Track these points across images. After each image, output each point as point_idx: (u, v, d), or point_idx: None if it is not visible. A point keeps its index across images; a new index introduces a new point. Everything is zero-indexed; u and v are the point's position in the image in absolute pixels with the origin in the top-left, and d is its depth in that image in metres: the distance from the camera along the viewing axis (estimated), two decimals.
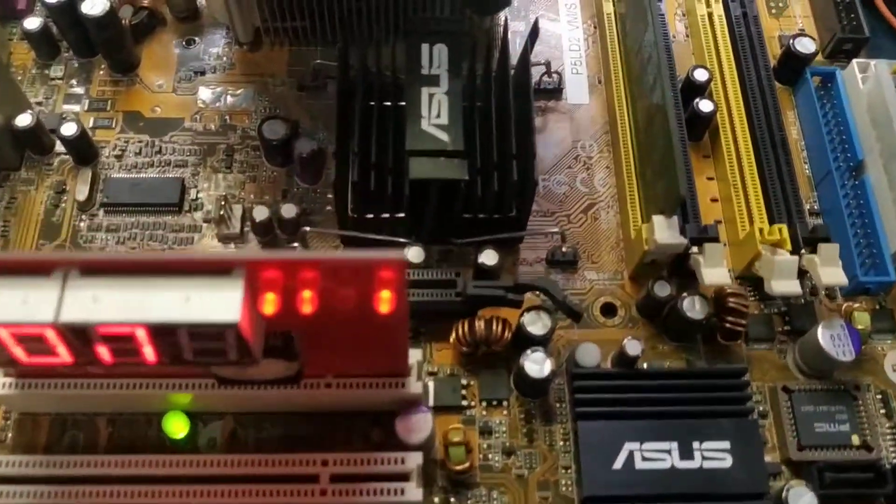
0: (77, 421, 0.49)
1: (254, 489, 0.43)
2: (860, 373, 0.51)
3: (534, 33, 0.52)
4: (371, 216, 0.51)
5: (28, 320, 0.33)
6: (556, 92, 0.60)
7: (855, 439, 0.48)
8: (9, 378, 0.45)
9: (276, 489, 0.43)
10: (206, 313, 0.33)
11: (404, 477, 0.44)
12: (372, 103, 0.52)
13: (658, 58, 0.50)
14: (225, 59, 0.61)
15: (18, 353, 0.36)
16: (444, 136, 0.48)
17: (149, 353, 0.36)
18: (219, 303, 0.33)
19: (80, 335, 0.34)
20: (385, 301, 0.34)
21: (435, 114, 0.48)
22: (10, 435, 0.48)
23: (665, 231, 0.49)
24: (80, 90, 0.59)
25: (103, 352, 0.36)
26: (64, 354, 0.36)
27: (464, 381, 0.50)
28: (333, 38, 0.59)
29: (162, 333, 0.34)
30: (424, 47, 0.50)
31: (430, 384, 0.50)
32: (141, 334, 0.34)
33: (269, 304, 0.34)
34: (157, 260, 0.34)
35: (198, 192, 0.55)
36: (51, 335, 0.34)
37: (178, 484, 0.44)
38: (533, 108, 0.50)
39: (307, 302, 0.34)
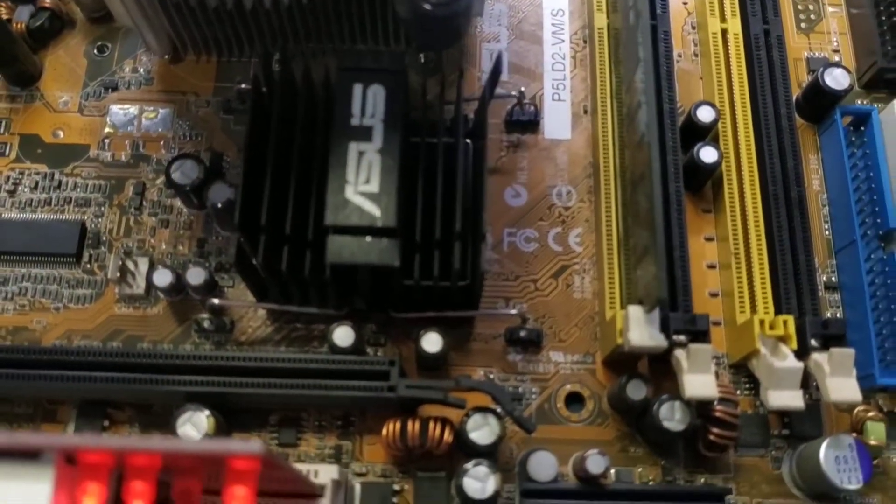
0: None
1: None
2: (869, 489, 0.43)
3: (495, 72, 0.42)
4: (290, 285, 0.43)
5: None
6: (531, 124, 0.50)
7: None
8: None
9: None
10: None
11: None
12: (292, 135, 0.43)
13: (650, 117, 0.40)
14: (142, 70, 0.51)
15: None
16: (372, 209, 0.39)
17: None
18: (24, 499, 0.25)
19: None
20: (239, 499, 0.26)
21: (364, 178, 0.39)
22: None
23: (641, 330, 0.40)
24: None
25: None
26: None
27: (396, 487, 0.43)
28: (262, 49, 0.49)
29: None
30: (357, 89, 0.41)
31: (357, 487, 0.42)
32: None
33: (92, 496, 0.26)
34: None
35: (100, 239, 0.47)
36: None
37: None
38: (485, 171, 0.41)
39: (139, 496, 0.26)
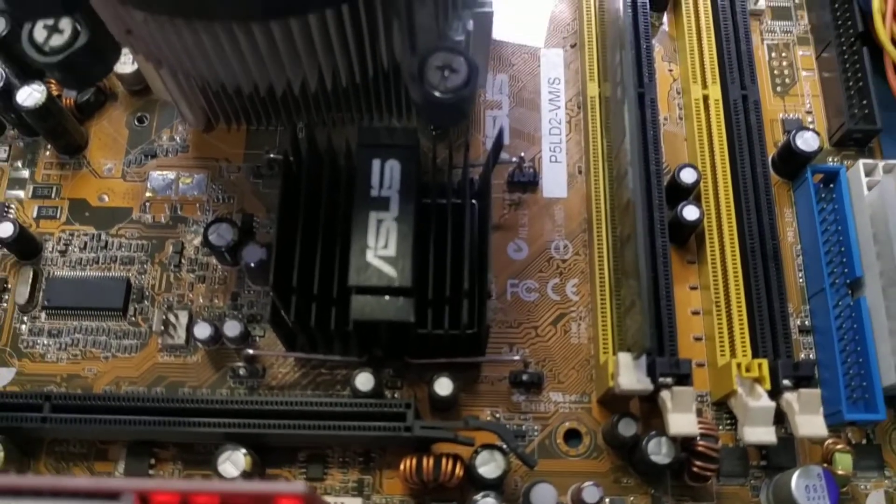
0: None
1: None
2: None
3: (498, 143, 0.47)
4: (318, 333, 0.48)
5: None
6: (530, 184, 0.55)
7: None
8: None
9: None
10: None
11: None
12: (319, 202, 0.48)
13: (635, 183, 0.45)
14: (178, 139, 0.57)
15: None
16: (390, 271, 0.44)
17: None
18: None
19: None
20: None
21: (382, 244, 0.44)
22: None
23: (630, 374, 0.45)
24: (24, 173, 0.56)
25: None
26: None
27: None
28: (287, 120, 0.55)
29: None
30: (375, 164, 0.46)
31: None
32: None
33: None
34: (38, 485, 0.31)
35: (143, 294, 0.52)
36: None
37: None
38: (490, 238, 0.46)
39: None
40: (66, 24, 0.44)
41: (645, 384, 0.45)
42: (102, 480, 0.31)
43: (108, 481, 0.31)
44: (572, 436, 0.50)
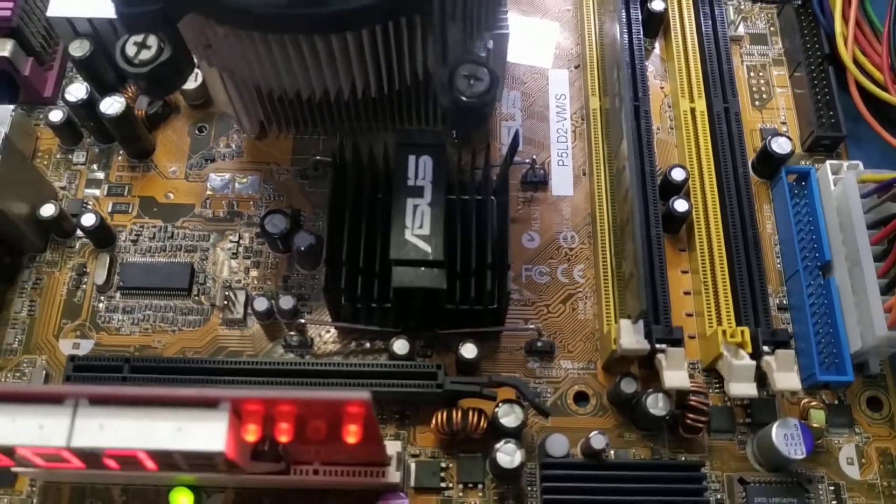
0: (95, 489, 0.54)
1: None
2: (815, 465, 0.55)
3: (513, 146, 0.56)
4: (360, 306, 0.55)
5: (43, 444, 0.38)
6: (541, 184, 0.63)
7: None
8: None
9: None
10: (196, 443, 0.38)
11: None
12: (360, 195, 0.56)
13: (634, 172, 0.53)
14: (233, 146, 0.65)
15: (38, 460, 0.41)
16: (425, 246, 0.52)
17: (150, 465, 0.40)
18: (207, 433, 0.38)
19: (91, 454, 0.39)
20: (352, 433, 0.39)
21: (418, 224, 0.52)
22: (35, 501, 0.54)
23: (630, 336, 0.53)
24: (100, 175, 0.64)
25: (111, 462, 0.41)
26: (76, 463, 0.41)
27: (443, 465, 0.54)
28: (332, 128, 0.63)
29: (159, 455, 0.39)
30: (411, 159, 0.54)
31: (412, 465, 0.54)
32: (142, 455, 0.39)
33: (251, 433, 0.39)
34: (154, 394, 0.38)
35: (205, 276, 0.60)
36: (65, 453, 0.39)
37: None
38: (509, 219, 0.54)
39: (284, 432, 0.39)
40: (152, 40, 0.52)
41: (643, 344, 0.53)
42: (204, 390, 0.39)
43: (207, 391, 0.39)
44: (581, 397, 0.57)
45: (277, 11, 0.45)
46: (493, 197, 0.57)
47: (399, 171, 0.54)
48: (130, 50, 0.52)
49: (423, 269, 0.51)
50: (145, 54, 0.52)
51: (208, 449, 0.38)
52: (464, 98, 0.50)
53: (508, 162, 0.56)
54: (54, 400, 0.39)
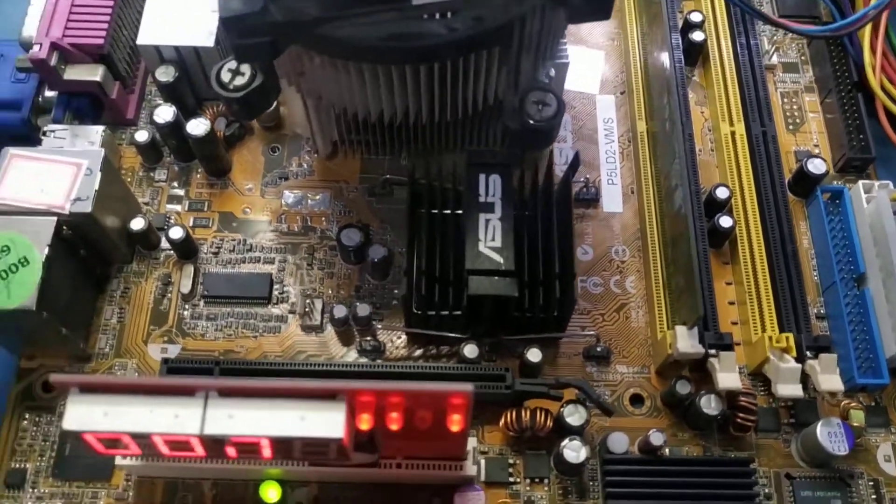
0: (186, 484, 0.58)
1: None
2: (855, 462, 0.59)
3: (574, 164, 0.60)
4: (433, 313, 0.60)
5: (179, 432, 0.42)
6: (593, 201, 0.68)
7: None
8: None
9: None
10: (318, 430, 0.42)
11: None
12: (435, 211, 0.61)
13: (688, 192, 0.58)
14: (305, 165, 0.70)
15: (164, 449, 0.45)
16: (498, 258, 0.56)
17: (266, 452, 0.45)
18: (327, 422, 0.42)
19: (216, 441, 0.43)
20: (456, 422, 0.43)
21: (490, 237, 0.57)
22: (130, 494, 0.58)
23: (686, 341, 0.57)
24: (180, 192, 0.69)
25: (231, 450, 0.45)
26: (199, 451, 0.45)
27: (510, 461, 0.59)
28: (398, 149, 0.68)
29: (281, 442, 0.43)
30: (482, 177, 0.59)
31: (482, 461, 0.58)
32: (264, 442, 0.43)
33: (365, 422, 0.43)
34: (278, 387, 0.43)
35: (283, 286, 0.65)
36: (194, 441, 0.43)
37: None
38: (573, 232, 0.59)
39: (394, 421, 0.43)
40: (245, 68, 0.57)
41: (698, 349, 0.57)
42: (324, 384, 0.43)
43: (327, 384, 0.43)
44: (636, 399, 0.61)
45: (376, 43, 0.50)
46: (556, 211, 0.62)
47: (471, 189, 0.59)
48: (225, 76, 0.57)
49: (496, 278, 0.56)
50: (239, 80, 0.57)
51: (329, 436, 0.42)
52: (533, 122, 0.55)
53: (570, 178, 0.60)
54: (187, 392, 0.43)
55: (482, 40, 0.51)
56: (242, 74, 0.57)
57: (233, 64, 0.57)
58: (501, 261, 0.56)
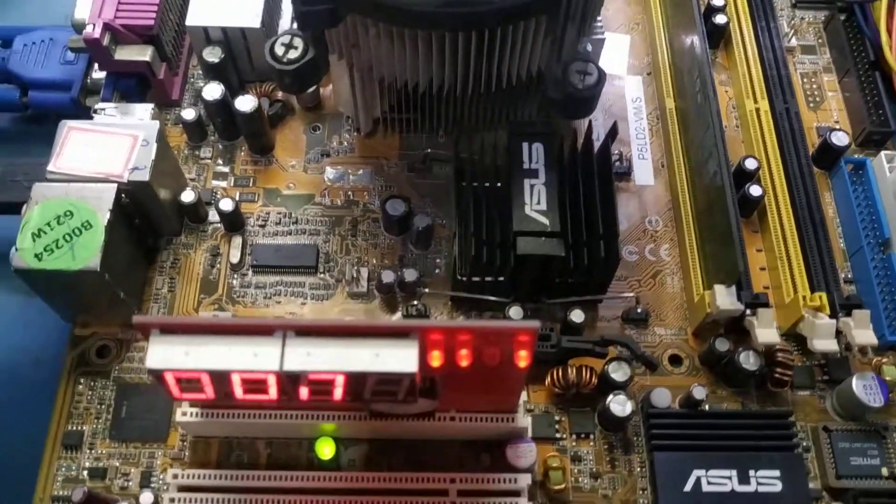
0: (241, 443, 0.60)
1: (393, 501, 0.54)
2: (888, 416, 0.61)
3: (613, 132, 0.63)
4: (477, 279, 0.62)
5: (259, 369, 0.44)
6: (625, 175, 0.70)
7: (884, 471, 0.58)
8: (192, 409, 0.56)
9: (412, 501, 0.54)
10: (393, 365, 0.44)
11: (517, 493, 0.54)
12: (475, 184, 0.63)
13: (719, 157, 0.61)
14: (345, 143, 0.72)
15: (238, 391, 0.47)
16: (544, 220, 0.59)
17: (338, 393, 0.46)
18: (401, 358, 0.44)
19: (293, 380, 0.45)
20: (522, 358, 0.45)
21: (536, 201, 0.59)
22: (186, 454, 0.59)
23: (725, 298, 0.60)
24: (225, 169, 0.71)
25: (303, 391, 0.47)
26: (272, 394, 0.47)
27: (556, 417, 0.61)
28: (436, 127, 0.70)
29: (356, 379, 0.45)
30: (525, 146, 0.61)
31: (528, 419, 0.60)
32: (339, 380, 0.45)
33: (435, 359, 0.45)
34: (353, 325, 0.45)
35: (329, 256, 0.67)
36: (271, 380, 0.45)
37: (326, 495, 0.54)
38: (615, 194, 0.61)
39: (464, 358, 0.45)
40: (298, 42, 0.60)
41: (737, 305, 0.59)
42: (396, 322, 0.45)
43: (399, 323, 0.45)
44: (675, 360, 0.63)
45: (430, 10, 0.52)
46: (597, 171, 0.64)
47: (515, 157, 0.61)
48: (279, 50, 0.60)
49: (543, 239, 0.58)
50: (292, 54, 0.59)
51: (403, 370, 0.44)
52: (576, 91, 0.58)
53: (608, 144, 0.63)
54: (265, 332, 0.45)
55: (531, 8, 0.53)
56: (295, 48, 0.60)
57: (286, 38, 0.60)
58: (547, 222, 0.58)
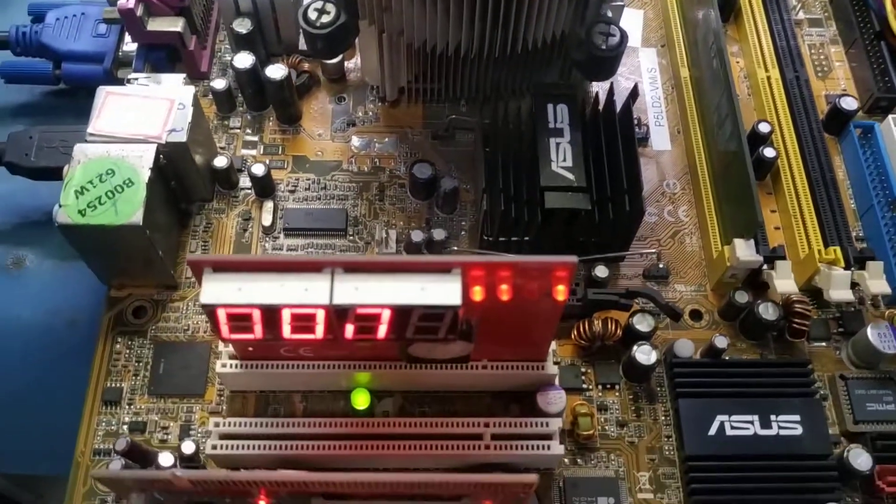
0: (277, 397, 0.61)
1: (433, 444, 0.55)
2: None
3: (634, 94, 0.65)
4: (503, 239, 0.64)
5: (310, 303, 0.46)
6: (643, 140, 0.73)
7: None
8: (231, 360, 0.58)
9: (450, 444, 0.55)
10: (438, 299, 0.46)
11: (549, 437, 0.56)
12: (501, 149, 0.65)
13: (736, 116, 0.63)
14: (370, 113, 0.74)
15: (286, 329, 0.48)
16: (570, 175, 0.61)
17: (382, 330, 0.48)
18: (446, 291, 0.46)
19: (341, 315, 0.47)
20: (560, 292, 0.47)
21: (562, 158, 0.61)
22: (224, 409, 0.61)
23: (745, 251, 0.62)
24: (254, 138, 0.73)
25: (349, 329, 0.48)
26: (319, 332, 0.49)
27: (583, 370, 0.63)
28: (459, 97, 0.73)
29: (401, 314, 0.47)
30: (549, 107, 0.64)
31: (556, 369, 0.62)
32: (385, 314, 0.47)
33: (477, 293, 0.47)
34: (399, 261, 0.47)
35: (357, 219, 0.69)
36: (320, 315, 0.47)
37: (366, 440, 0.56)
38: (637, 150, 0.63)
39: (504, 293, 0.47)
40: (330, 7, 0.62)
41: (756, 257, 0.62)
42: (440, 257, 0.47)
43: (444, 258, 0.47)
44: (695, 314, 0.65)
45: None
46: (619, 128, 0.66)
47: (540, 117, 0.63)
48: (312, 14, 0.62)
49: (569, 193, 0.60)
50: (325, 18, 0.62)
51: (448, 303, 0.46)
52: (600, 52, 0.60)
53: (630, 105, 0.65)
54: (314, 269, 0.47)
55: None
56: (328, 13, 0.62)
57: (319, 3, 0.62)
58: (573, 178, 0.61)
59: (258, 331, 0.49)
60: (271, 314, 0.47)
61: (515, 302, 0.48)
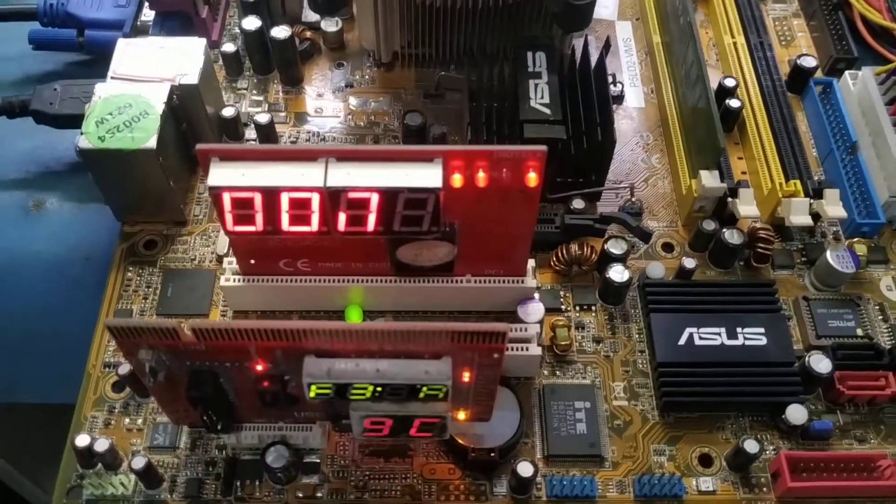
0: (276, 317, 0.66)
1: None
2: (861, 290, 0.68)
3: (607, 46, 0.71)
4: None
5: (306, 185, 0.51)
6: (619, 98, 0.79)
7: (859, 332, 0.64)
8: (234, 276, 0.63)
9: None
10: (420, 182, 0.51)
11: (527, 340, 0.60)
12: (486, 104, 0.71)
13: (700, 63, 0.69)
14: (367, 77, 0.80)
15: (284, 220, 0.53)
16: (547, 110, 0.66)
17: (371, 221, 0.53)
18: (428, 176, 0.51)
19: (334, 199, 0.52)
20: (532, 179, 0.52)
21: (539, 96, 0.67)
22: None
23: (710, 180, 0.67)
24: (260, 98, 0.79)
25: (341, 219, 0.53)
26: (314, 223, 0.54)
27: (561, 293, 0.67)
28: (448, 60, 0.79)
29: (388, 199, 0.52)
30: (529, 54, 0.70)
31: (537, 293, 0.66)
32: (374, 199, 0.52)
33: (457, 181, 0.52)
34: (387, 150, 0.52)
35: None
36: (315, 199, 0.52)
37: None
38: (609, 90, 0.69)
39: (481, 179, 0.52)
40: None
41: (720, 185, 0.67)
42: (421, 147, 0.52)
43: (426, 148, 0.52)
44: (667, 247, 0.70)
45: None
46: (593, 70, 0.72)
47: (521, 63, 0.69)
48: None
49: (546, 125, 0.66)
50: None
51: (429, 185, 0.51)
52: (575, 2, 0.67)
53: (604, 55, 0.71)
54: (310, 157, 0.52)
55: None
56: None
57: None
58: (549, 112, 0.66)
59: (259, 221, 0.54)
60: (271, 198, 0.52)
61: (492, 191, 0.53)
